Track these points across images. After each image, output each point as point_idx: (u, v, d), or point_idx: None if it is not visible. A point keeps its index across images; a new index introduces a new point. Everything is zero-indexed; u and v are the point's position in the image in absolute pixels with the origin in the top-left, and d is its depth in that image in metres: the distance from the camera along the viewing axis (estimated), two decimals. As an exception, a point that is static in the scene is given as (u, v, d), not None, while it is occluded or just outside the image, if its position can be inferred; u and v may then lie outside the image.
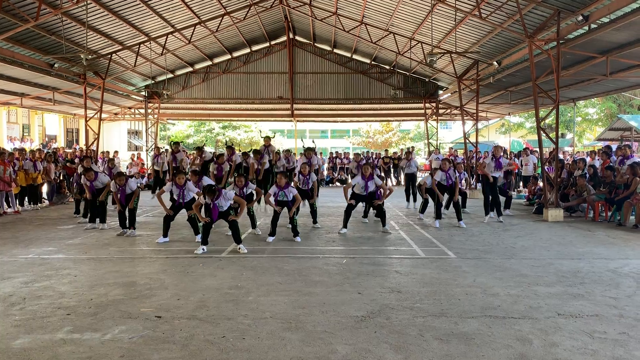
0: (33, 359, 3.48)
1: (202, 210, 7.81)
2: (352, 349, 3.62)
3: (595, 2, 9.51)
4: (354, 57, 22.71)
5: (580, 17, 9.95)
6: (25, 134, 24.20)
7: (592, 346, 3.67)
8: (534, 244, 7.70)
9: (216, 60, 22.83)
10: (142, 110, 23.98)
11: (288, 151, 13.82)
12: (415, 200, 12.84)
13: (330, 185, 21.35)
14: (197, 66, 22.86)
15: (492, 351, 3.58)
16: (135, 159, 22.27)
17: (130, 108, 24.42)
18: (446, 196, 10.26)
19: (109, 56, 16.22)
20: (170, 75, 22.18)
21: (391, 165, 20.68)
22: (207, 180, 8.80)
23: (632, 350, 3.60)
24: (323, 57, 23.11)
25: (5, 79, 14.91)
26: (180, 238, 8.23)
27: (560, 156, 15.12)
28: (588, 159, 13.72)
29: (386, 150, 25.75)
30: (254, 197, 8.94)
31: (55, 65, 14.91)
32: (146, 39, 16.42)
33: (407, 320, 4.23)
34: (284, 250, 7.29)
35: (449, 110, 23.95)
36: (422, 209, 10.73)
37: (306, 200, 9.54)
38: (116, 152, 21.24)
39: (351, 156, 23.69)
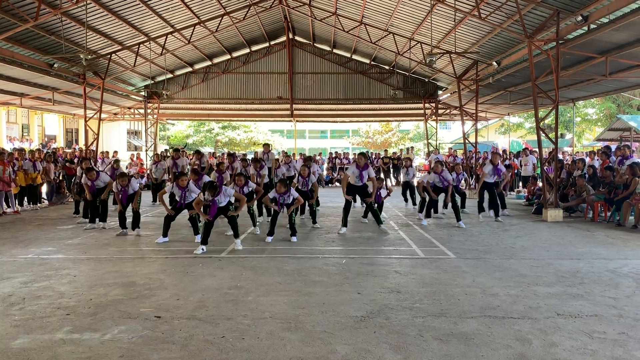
0: (32, 359, 3.48)
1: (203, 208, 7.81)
2: (351, 349, 3.62)
3: (595, 3, 9.52)
4: (354, 57, 22.72)
5: (580, 18, 9.96)
6: (24, 134, 24.19)
7: (591, 346, 3.67)
8: (533, 244, 7.71)
9: (216, 60, 22.84)
10: (142, 111, 23.99)
11: (288, 157, 13.81)
12: (414, 203, 12.79)
13: (330, 185, 21.35)
14: (197, 66, 22.87)
15: (491, 351, 3.58)
16: (134, 159, 22.26)
17: (129, 108, 24.42)
18: (443, 196, 10.29)
19: (109, 56, 16.22)
20: (169, 76, 22.19)
21: (390, 166, 20.69)
22: (207, 179, 8.83)
23: (632, 350, 3.60)
24: (322, 57, 23.13)
25: (5, 79, 14.91)
26: (180, 238, 8.23)
27: (560, 156, 15.13)
28: (587, 159, 13.73)
29: (385, 151, 25.75)
30: (254, 196, 8.97)
31: (55, 66, 14.91)
32: (146, 39, 16.43)
33: (407, 320, 4.23)
34: (283, 250, 7.29)
35: (448, 111, 23.97)
36: (421, 208, 10.75)
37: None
38: (115, 152, 21.25)
39: (351, 156, 23.71)
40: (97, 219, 9.41)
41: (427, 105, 23.26)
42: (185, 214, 8.33)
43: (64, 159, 15.87)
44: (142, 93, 23.07)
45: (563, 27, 10.58)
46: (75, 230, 9.17)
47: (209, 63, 22.83)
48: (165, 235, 7.98)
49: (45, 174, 13.28)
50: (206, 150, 37.84)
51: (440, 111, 23.42)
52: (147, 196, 13.68)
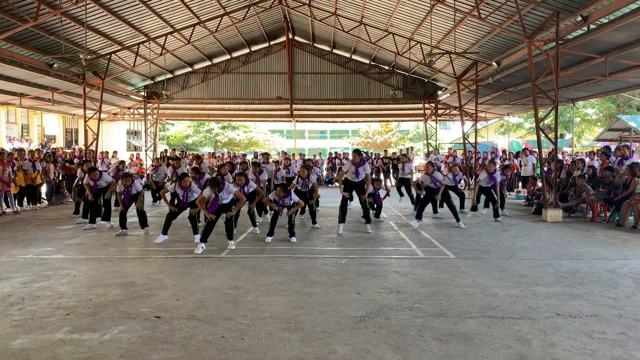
0: (32, 359, 3.48)
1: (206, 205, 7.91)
2: (351, 349, 3.62)
3: (595, 3, 9.52)
4: (353, 57, 22.72)
5: (580, 18, 9.96)
6: (24, 134, 24.17)
7: (591, 346, 3.68)
8: (533, 244, 7.71)
9: (215, 60, 22.84)
10: (141, 111, 23.98)
11: (287, 160, 13.83)
12: (412, 202, 12.75)
13: (330, 185, 21.35)
14: (197, 66, 22.86)
15: (491, 351, 3.58)
16: (134, 159, 22.26)
17: (129, 108, 24.41)
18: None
19: (108, 56, 16.21)
20: (169, 76, 22.18)
21: (390, 166, 20.69)
22: (207, 177, 8.94)
23: (631, 351, 3.60)
24: (322, 58, 23.12)
25: (5, 79, 14.89)
26: (179, 238, 8.23)
27: (559, 157, 15.13)
28: (587, 160, 13.74)
29: (385, 151, 25.76)
30: (255, 197, 8.99)
31: (55, 66, 14.90)
32: (145, 39, 16.42)
33: (406, 320, 4.23)
34: (283, 250, 7.29)
35: (448, 111, 23.97)
36: (416, 205, 10.78)
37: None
38: (115, 152, 21.25)
39: (350, 157, 23.70)
40: (97, 219, 9.43)
41: (426, 105, 23.25)
42: (185, 213, 8.35)
43: (63, 159, 15.86)
44: (142, 93, 23.05)
45: (563, 27, 10.58)
46: (75, 230, 9.17)
47: (208, 63, 22.82)
48: (165, 232, 8.01)
49: (44, 174, 13.28)
50: (206, 150, 37.88)
51: (440, 111, 23.41)
52: (147, 196, 13.65)
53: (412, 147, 27.88)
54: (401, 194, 13.21)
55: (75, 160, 15.62)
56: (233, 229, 7.54)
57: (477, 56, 15.33)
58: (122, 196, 8.63)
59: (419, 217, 9.66)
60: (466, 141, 18.32)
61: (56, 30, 13.32)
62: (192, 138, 42.77)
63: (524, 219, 10.71)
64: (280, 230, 8.65)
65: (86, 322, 4.19)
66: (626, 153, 11.22)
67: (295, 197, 8.21)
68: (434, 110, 23.12)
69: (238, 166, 11.77)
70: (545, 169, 12.18)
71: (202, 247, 7.14)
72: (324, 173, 21.86)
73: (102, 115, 18.37)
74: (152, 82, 22.54)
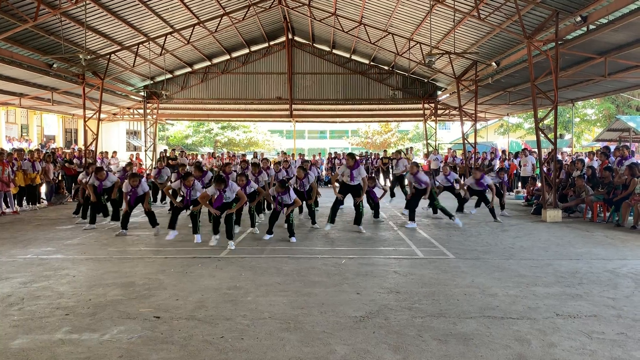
0: (31, 359, 3.48)
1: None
2: (350, 349, 3.62)
3: (594, 3, 9.53)
4: (353, 57, 22.72)
5: (579, 18, 9.97)
6: (23, 134, 24.17)
7: (590, 346, 3.68)
8: (532, 245, 7.71)
9: (215, 60, 22.83)
10: (141, 111, 23.97)
11: (287, 162, 13.83)
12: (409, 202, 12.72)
13: (330, 185, 21.31)
14: (196, 66, 22.86)
15: (490, 351, 3.59)
16: (133, 159, 22.25)
17: (129, 108, 24.40)
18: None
19: (108, 56, 16.21)
20: (169, 76, 22.17)
21: (390, 166, 20.68)
22: (210, 176, 9.02)
23: (630, 351, 3.61)
24: (322, 58, 23.12)
25: (4, 79, 14.88)
26: (179, 238, 8.22)
27: (559, 157, 15.14)
28: (586, 160, 13.75)
29: (385, 151, 25.75)
30: (256, 197, 9.09)
31: (54, 66, 14.89)
32: (145, 39, 16.41)
33: (406, 320, 4.24)
34: (282, 250, 7.29)
35: (447, 111, 23.97)
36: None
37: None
38: (114, 152, 21.24)
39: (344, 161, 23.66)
40: (107, 219, 9.48)
41: (426, 105, 23.26)
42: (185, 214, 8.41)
43: (63, 159, 15.85)
44: (142, 93, 23.05)
45: (562, 27, 10.59)
46: (75, 230, 9.17)
47: (208, 63, 22.82)
48: (173, 227, 8.19)
49: (44, 174, 13.27)
50: (205, 150, 37.88)
51: (439, 111, 23.42)
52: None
53: (411, 147, 27.87)
54: (393, 195, 13.18)
55: (75, 161, 15.61)
56: (233, 229, 7.61)
57: (477, 56, 15.34)
58: (129, 196, 8.69)
59: (411, 218, 9.68)
60: (466, 141, 18.32)
61: (56, 31, 13.32)
62: (191, 138, 42.78)
63: (523, 219, 10.72)
64: (280, 231, 8.66)
65: (86, 322, 4.19)
66: (625, 153, 11.22)
67: (293, 195, 8.31)
68: (433, 111, 23.13)
69: (238, 167, 11.76)
70: (545, 169, 12.18)
71: (216, 239, 7.54)
72: (324, 173, 21.85)
73: (102, 116, 18.37)
74: (152, 82, 22.54)
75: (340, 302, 4.75)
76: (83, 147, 17.35)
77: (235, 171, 10.79)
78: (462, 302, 4.72)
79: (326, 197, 14.95)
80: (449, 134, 45.35)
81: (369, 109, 24.22)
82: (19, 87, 16.51)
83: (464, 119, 19.18)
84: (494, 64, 14.91)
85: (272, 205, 8.49)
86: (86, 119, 16.32)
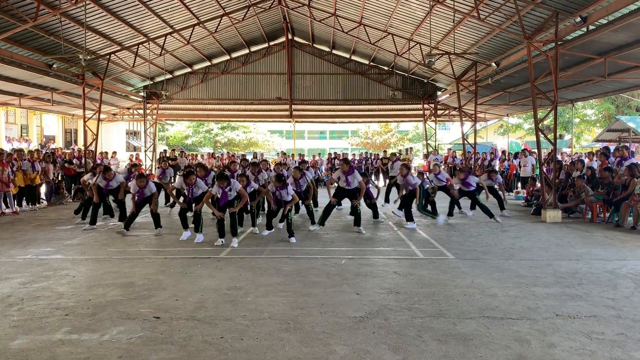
0: (31, 360, 3.48)
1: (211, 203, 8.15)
2: (350, 350, 3.62)
3: (594, 4, 9.53)
4: (353, 58, 22.73)
5: (579, 19, 9.97)
6: (23, 135, 24.16)
7: (590, 347, 3.68)
8: (532, 245, 7.71)
9: (215, 61, 22.84)
10: (141, 111, 23.98)
11: (285, 164, 13.87)
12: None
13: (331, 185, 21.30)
14: (196, 67, 22.86)
15: (490, 352, 3.59)
16: (133, 159, 22.25)
17: (128, 109, 24.40)
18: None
19: (108, 57, 16.21)
20: (168, 76, 22.18)
21: (389, 167, 20.69)
22: (212, 175, 9.10)
23: (630, 351, 3.61)
24: (322, 58, 23.12)
25: (4, 79, 14.88)
26: (179, 239, 8.22)
27: (559, 157, 15.15)
28: (586, 160, 13.75)
29: (385, 152, 25.76)
30: (257, 196, 9.18)
31: (54, 66, 14.90)
32: (145, 39, 16.42)
33: (406, 321, 4.24)
34: (282, 251, 7.29)
35: (447, 111, 23.98)
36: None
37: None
38: (114, 152, 21.24)
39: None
40: (97, 219, 9.44)
41: (426, 106, 23.27)
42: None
43: (62, 160, 15.85)
44: (141, 93, 23.05)
45: (562, 28, 10.59)
46: (74, 231, 9.17)
47: (208, 64, 22.82)
48: (186, 227, 8.28)
49: (44, 174, 13.26)
50: (205, 151, 37.87)
51: (439, 112, 23.43)
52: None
53: (411, 148, 27.89)
54: (387, 200, 12.95)
55: (75, 161, 15.61)
56: (237, 226, 7.80)
57: (477, 57, 15.34)
58: (136, 197, 8.73)
59: (410, 219, 9.66)
60: (465, 142, 18.32)
61: (55, 31, 13.32)
62: (191, 138, 42.77)
63: (523, 220, 10.72)
64: (280, 231, 8.68)
65: (85, 323, 4.19)
66: (625, 154, 11.22)
67: (291, 191, 8.43)
68: (433, 111, 23.14)
69: (238, 167, 11.77)
70: (545, 169, 12.19)
71: (222, 241, 7.59)
72: (324, 174, 21.85)
73: (102, 116, 18.36)
74: (152, 82, 22.55)
75: (340, 302, 4.75)
76: (83, 148, 17.34)
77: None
78: (461, 303, 4.72)
79: (325, 197, 14.94)
80: (449, 135, 45.37)
81: (368, 110, 24.23)
82: (18, 88, 16.51)
83: (463, 119, 19.18)
84: (493, 64, 14.92)
85: (271, 205, 8.56)
86: (86, 120, 16.31)
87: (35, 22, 11.47)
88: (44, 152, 15.65)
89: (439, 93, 22.92)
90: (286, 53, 22.65)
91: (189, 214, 8.53)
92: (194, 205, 8.37)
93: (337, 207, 10.21)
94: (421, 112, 23.59)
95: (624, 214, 9.52)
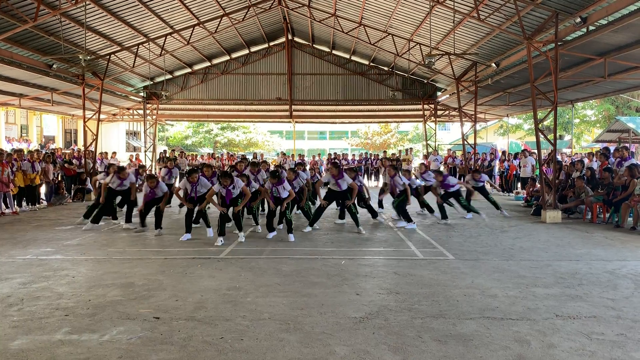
0: (31, 360, 3.48)
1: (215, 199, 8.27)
2: (350, 350, 3.62)
3: (593, 4, 9.54)
4: (353, 58, 22.73)
5: (579, 19, 9.97)
6: (23, 135, 24.16)
7: (590, 347, 3.68)
8: (532, 246, 7.71)
9: (215, 61, 22.84)
10: (141, 111, 23.97)
11: (282, 166, 13.91)
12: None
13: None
14: (196, 67, 22.86)
15: (490, 352, 3.59)
16: (133, 159, 22.25)
17: (128, 109, 24.40)
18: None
19: (108, 57, 16.22)
20: (168, 76, 22.17)
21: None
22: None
23: (630, 352, 3.61)
24: (322, 59, 23.12)
25: (4, 79, 14.88)
26: (179, 239, 8.22)
27: (558, 158, 15.15)
28: (586, 161, 13.75)
29: (384, 152, 25.75)
30: (258, 196, 9.13)
31: (54, 66, 14.90)
32: (145, 39, 16.42)
33: (406, 321, 4.23)
34: (282, 251, 7.29)
35: (447, 112, 23.98)
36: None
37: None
38: (114, 152, 21.24)
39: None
40: (100, 220, 9.46)
41: (426, 106, 23.27)
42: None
43: (62, 160, 15.85)
44: (141, 94, 23.05)
45: (562, 28, 10.60)
46: (74, 231, 9.16)
47: (208, 64, 22.82)
48: (188, 230, 8.28)
49: (43, 174, 13.26)
50: (205, 151, 37.88)
51: (439, 112, 23.43)
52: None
53: (411, 148, 27.89)
54: (381, 206, 12.63)
55: (74, 161, 15.61)
56: (241, 221, 8.02)
57: (477, 57, 15.35)
58: (147, 197, 8.83)
59: (408, 220, 9.62)
60: (465, 142, 18.32)
61: (55, 31, 13.32)
62: (191, 139, 42.78)
63: (523, 220, 10.72)
64: (280, 231, 8.68)
65: (85, 323, 4.19)
66: (625, 154, 11.23)
67: (288, 186, 8.49)
68: (433, 111, 23.14)
69: (238, 167, 11.80)
70: (545, 170, 12.19)
71: (221, 241, 7.65)
72: (323, 174, 21.82)
73: (102, 116, 18.36)
74: (152, 82, 22.55)
75: (340, 302, 4.75)
76: (83, 148, 17.34)
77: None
78: (461, 303, 4.72)
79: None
80: (449, 135, 45.41)
81: (368, 110, 24.23)
82: (18, 88, 16.51)
83: (463, 119, 19.19)
84: (493, 64, 14.92)
85: (270, 205, 8.59)
86: (86, 120, 16.32)
87: (35, 23, 11.47)
88: (43, 152, 15.65)
89: (438, 93, 22.92)
90: (286, 53, 22.66)
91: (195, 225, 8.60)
92: (198, 205, 8.44)
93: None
94: (421, 112, 23.59)
95: (624, 215, 9.52)
